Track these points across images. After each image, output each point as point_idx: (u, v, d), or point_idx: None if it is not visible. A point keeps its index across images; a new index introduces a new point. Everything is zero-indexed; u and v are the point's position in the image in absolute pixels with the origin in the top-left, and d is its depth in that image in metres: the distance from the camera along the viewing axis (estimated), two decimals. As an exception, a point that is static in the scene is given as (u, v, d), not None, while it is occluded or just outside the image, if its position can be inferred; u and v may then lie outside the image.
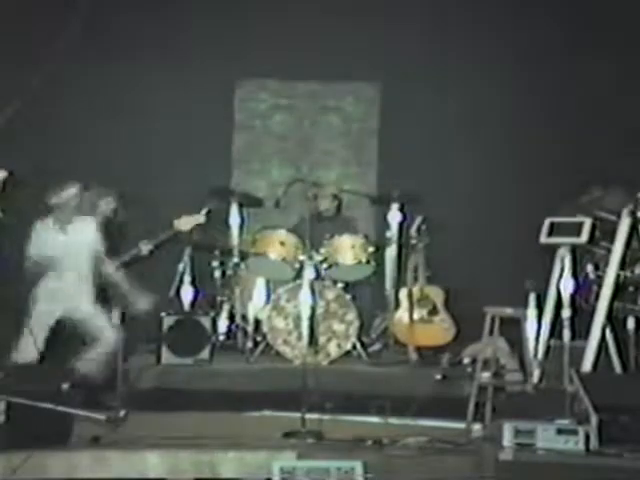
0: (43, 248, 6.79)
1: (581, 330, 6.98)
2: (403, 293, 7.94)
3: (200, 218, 7.00)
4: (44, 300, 6.76)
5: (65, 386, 5.90)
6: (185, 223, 6.97)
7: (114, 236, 7.28)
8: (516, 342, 7.17)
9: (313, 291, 7.18)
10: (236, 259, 8.20)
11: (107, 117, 8.74)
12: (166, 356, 7.56)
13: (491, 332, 6.74)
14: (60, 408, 5.63)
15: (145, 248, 6.96)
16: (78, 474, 5.65)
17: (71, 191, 6.83)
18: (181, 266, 8.18)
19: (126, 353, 6.86)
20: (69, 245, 6.82)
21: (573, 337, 6.88)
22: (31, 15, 8.64)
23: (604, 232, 7.33)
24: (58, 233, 6.85)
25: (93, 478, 5.64)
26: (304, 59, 8.96)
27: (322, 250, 7.84)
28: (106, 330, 6.75)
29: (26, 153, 8.43)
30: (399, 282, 8.11)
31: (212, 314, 7.94)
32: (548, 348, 7.11)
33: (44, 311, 6.75)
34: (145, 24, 8.83)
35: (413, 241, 7.90)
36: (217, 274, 8.36)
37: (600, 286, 7.09)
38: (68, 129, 8.72)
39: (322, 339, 7.62)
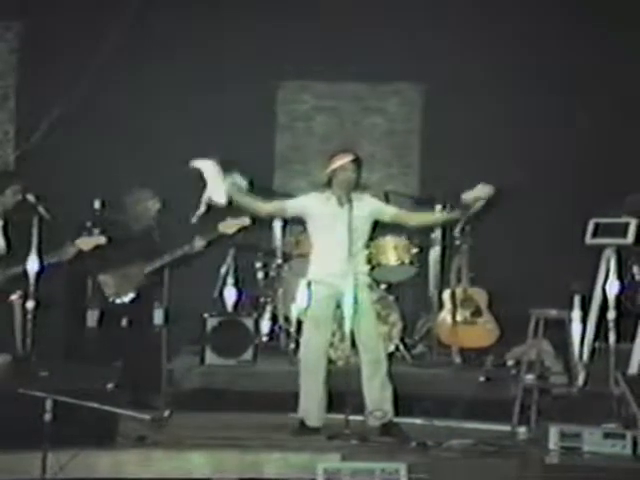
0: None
1: (627, 332, 6.93)
2: (446, 294, 7.91)
3: (245, 220, 6.99)
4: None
5: (110, 385, 5.94)
6: (230, 226, 6.98)
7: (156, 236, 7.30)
8: (561, 344, 7.12)
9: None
10: (279, 260, 8.23)
11: (151, 119, 8.80)
12: (210, 357, 7.60)
13: (535, 334, 6.69)
14: (106, 407, 5.66)
15: (199, 244, 6.98)
16: (123, 473, 5.68)
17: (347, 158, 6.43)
18: (224, 267, 8.22)
19: (170, 354, 6.91)
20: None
21: (619, 339, 6.82)
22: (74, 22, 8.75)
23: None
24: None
25: (138, 478, 5.67)
26: (347, 60, 8.95)
27: (365, 251, 7.82)
28: None
29: (73, 154, 8.58)
30: (442, 283, 8.09)
31: (255, 315, 7.97)
32: (593, 350, 7.06)
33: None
34: (187, 26, 8.87)
35: (457, 242, 7.87)
36: (260, 275, 8.39)
37: (646, 288, 7.04)
38: (110, 129, 8.81)
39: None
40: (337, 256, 6.24)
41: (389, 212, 6.55)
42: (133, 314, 7.06)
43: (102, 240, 6.74)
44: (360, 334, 6.32)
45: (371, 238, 6.85)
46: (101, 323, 7.01)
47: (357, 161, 6.47)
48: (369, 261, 7.71)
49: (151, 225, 7.29)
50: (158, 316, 6.90)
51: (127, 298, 7.08)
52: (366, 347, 6.34)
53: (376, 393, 6.33)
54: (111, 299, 7.07)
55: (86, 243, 6.69)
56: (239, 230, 6.97)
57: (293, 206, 6.52)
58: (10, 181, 6.78)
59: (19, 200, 6.67)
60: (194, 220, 6.64)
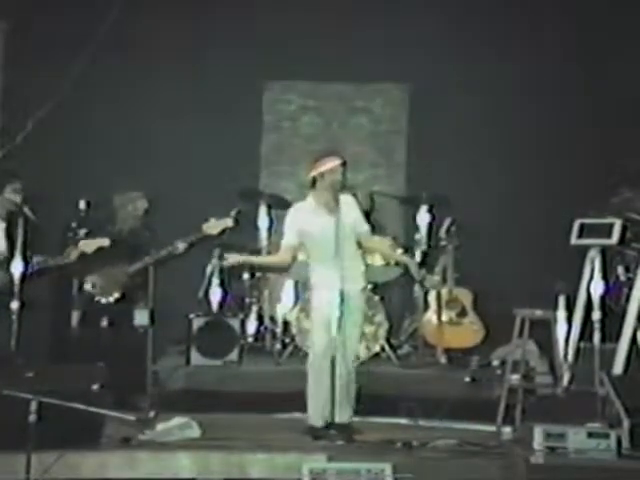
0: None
1: (611, 332, 6.95)
2: (432, 295, 7.91)
3: (229, 222, 6.97)
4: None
5: (95, 386, 5.93)
6: (214, 227, 6.95)
7: (143, 237, 7.30)
8: (546, 344, 7.14)
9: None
10: (265, 260, 8.21)
11: (136, 119, 8.79)
12: (195, 357, 7.59)
13: (521, 334, 6.71)
14: (91, 408, 5.65)
15: (181, 246, 6.93)
16: (109, 474, 5.68)
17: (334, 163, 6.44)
18: (210, 268, 8.19)
19: (156, 354, 6.90)
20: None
21: (603, 339, 6.83)
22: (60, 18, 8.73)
23: (635, 233, 7.29)
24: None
25: (124, 478, 5.66)
26: (333, 60, 8.94)
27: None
28: None
29: (56, 158, 8.56)
30: (428, 284, 8.11)
31: (241, 316, 7.96)
32: (578, 350, 7.07)
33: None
34: (173, 25, 8.85)
35: (442, 243, 7.88)
36: (246, 276, 8.37)
37: (631, 288, 7.05)
38: (95, 131, 8.79)
39: (351, 341, 7.61)
40: (333, 262, 6.24)
41: (363, 230, 6.57)
42: (117, 314, 7.07)
43: (106, 242, 6.72)
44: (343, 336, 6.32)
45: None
46: (84, 324, 7.01)
47: (344, 164, 6.49)
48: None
49: (138, 226, 7.28)
50: (140, 316, 6.89)
51: (112, 298, 7.08)
52: (344, 349, 6.35)
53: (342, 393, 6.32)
54: (96, 299, 7.07)
55: (89, 245, 6.66)
56: (223, 231, 6.94)
57: (292, 239, 6.50)
58: (8, 179, 6.75)
59: (18, 200, 6.64)
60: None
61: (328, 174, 6.40)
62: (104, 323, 7.06)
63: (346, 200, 6.48)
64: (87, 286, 7.10)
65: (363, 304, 6.61)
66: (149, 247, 7.01)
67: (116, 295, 7.11)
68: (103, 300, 7.09)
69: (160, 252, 6.90)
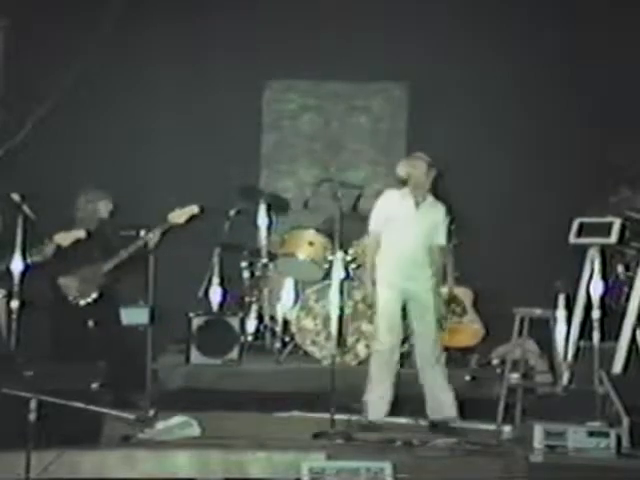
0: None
1: (611, 331, 6.94)
2: (432, 293, 7.90)
3: (194, 209, 6.91)
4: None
5: (95, 385, 5.93)
6: (179, 216, 6.86)
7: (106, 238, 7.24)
8: (545, 343, 7.14)
9: (341, 291, 7.17)
10: (265, 260, 8.22)
11: (136, 118, 8.79)
12: (195, 356, 7.60)
13: (520, 333, 6.72)
14: (91, 407, 5.65)
15: (149, 239, 6.78)
16: (108, 473, 5.66)
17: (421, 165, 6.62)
18: (210, 267, 8.19)
19: (155, 353, 6.90)
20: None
21: (603, 338, 6.83)
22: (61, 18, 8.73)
23: (634, 232, 7.28)
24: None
25: (123, 477, 5.65)
26: (332, 59, 8.95)
27: (351, 250, 7.83)
28: None
29: (49, 159, 8.55)
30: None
31: (241, 314, 7.96)
32: (578, 349, 7.08)
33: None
34: (173, 25, 8.86)
35: (442, 241, 7.87)
36: (246, 275, 8.37)
37: (630, 287, 7.05)
38: (95, 130, 8.79)
39: (350, 340, 7.63)
40: (405, 258, 6.45)
41: (437, 240, 6.65)
42: (101, 314, 7.08)
43: (81, 234, 6.64)
44: (418, 336, 6.52)
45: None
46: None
47: (431, 166, 6.64)
48: (355, 260, 7.80)
49: (97, 226, 7.18)
50: (126, 315, 6.89)
51: (90, 299, 7.05)
52: (423, 349, 6.51)
53: (437, 394, 6.49)
54: (74, 301, 7.04)
55: (64, 238, 6.58)
56: (190, 219, 6.88)
57: (379, 225, 6.58)
58: None
59: None
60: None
61: (415, 175, 6.57)
62: (89, 323, 7.05)
63: (437, 206, 6.65)
64: (66, 291, 7.09)
65: (434, 304, 6.60)
66: (118, 247, 6.96)
67: (94, 295, 7.07)
68: (81, 302, 7.06)
69: (131, 247, 6.87)
